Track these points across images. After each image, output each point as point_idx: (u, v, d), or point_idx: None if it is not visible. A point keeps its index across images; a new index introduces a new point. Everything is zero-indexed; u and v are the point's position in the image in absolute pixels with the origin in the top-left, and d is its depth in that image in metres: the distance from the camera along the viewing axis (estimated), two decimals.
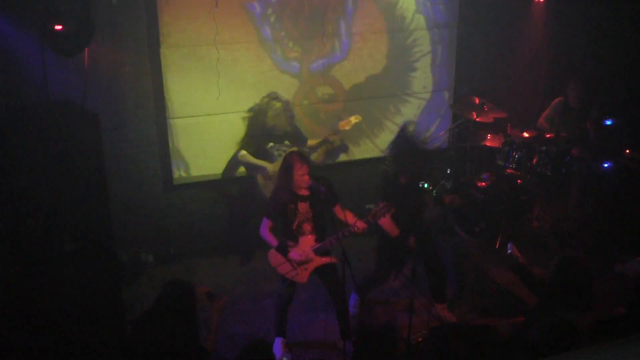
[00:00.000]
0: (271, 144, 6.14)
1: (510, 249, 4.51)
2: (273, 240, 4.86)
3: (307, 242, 4.85)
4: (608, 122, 6.31)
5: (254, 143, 6.26)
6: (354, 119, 6.27)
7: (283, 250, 4.84)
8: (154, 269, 6.28)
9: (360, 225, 4.74)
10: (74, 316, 4.78)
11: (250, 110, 6.46)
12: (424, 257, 5.39)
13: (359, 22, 6.85)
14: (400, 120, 7.28)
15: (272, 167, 6.02)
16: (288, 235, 4.89)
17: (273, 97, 6.26)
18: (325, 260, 4.85)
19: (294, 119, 6.28)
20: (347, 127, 6.25)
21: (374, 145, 7.36)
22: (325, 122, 7.02)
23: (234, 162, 6.47)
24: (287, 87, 6.73)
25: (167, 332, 3.78)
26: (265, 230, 4.89)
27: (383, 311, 5.74)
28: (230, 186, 6.71)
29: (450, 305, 5.68)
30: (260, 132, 6.28)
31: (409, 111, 7.40)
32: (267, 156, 6.12)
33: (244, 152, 6.21)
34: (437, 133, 7.48)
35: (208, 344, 4.12)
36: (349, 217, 4.86)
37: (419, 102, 7.44)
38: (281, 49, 6.62)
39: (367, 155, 7.32)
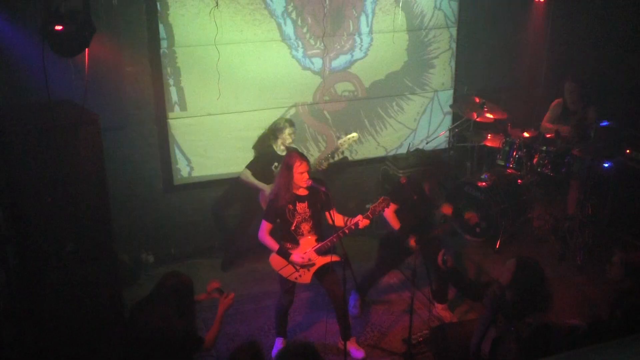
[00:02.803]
0: (275, 164, 6.12)
1: (444, 256, 4.52)
2: (274, 245, 4.83)
3: (308, 243, 4.85)
4: (604, 124, 6.31)
5: (260, 163, 6.21)
6: (353, 137, 6.29)
7: (284, 254, 4.83)
8: (154, 269, 6.28)
9: (362, 222, 4.75)
10: (75, 316, 4.78)
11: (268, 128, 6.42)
12: (426, 257, 5.39)
13: (379, 19, 6.86)
14: (416, 116, 7.39)
15: (269, 189, 6.01)
16: (287, 237, 4.87)
17: (288, 120, 6.27)
18: (327, 259, 4.83)
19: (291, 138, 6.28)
20: (346, 146, 6.29)
21: (394, 139, 7.40)
22: (345, 119, 7.04)
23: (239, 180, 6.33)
24: (308, 84, 6.75)
25: (160, 317, 3.83)
26: (265, 234, 4.85)
27: (383, 311, 5.74)
28: (227, 188, 6.71)
29: (450, 305, 5.68)
30: (265, 152, 6.29)
31: (428, 107, 7.44)
32: (272, 177, 6.05)
33: (247, 171, 6.15)
34: (439, 133, 7.49)
35: (209, 336, 4.16)
36: (339, 222, 4.84)
37: (437, 98, 7.47)
38: (302, 46, 6.63)
39: (383, 153, 7.36)
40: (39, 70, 4.48)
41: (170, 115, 6.32)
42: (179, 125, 6.38)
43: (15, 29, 5.12)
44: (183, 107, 6.34)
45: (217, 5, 6.09)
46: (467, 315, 5.64)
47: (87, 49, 4.74)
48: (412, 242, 5.23)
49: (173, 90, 6.26)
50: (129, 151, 6.18)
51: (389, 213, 5.25)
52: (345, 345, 5.03)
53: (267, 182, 6.07)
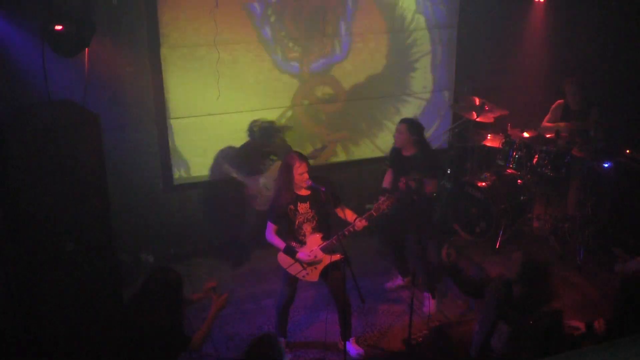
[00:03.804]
0: (259, 159, 6.18)
1: (448, 250, 4.50)
2: (280, 244, 4.86)
3: (314, 242, 4.86)
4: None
5: (243, 158, 6.30)
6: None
7: (291, 252, 4.84)
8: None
9: (362, 223, 4.76)
10: (74, 316, 4.78)
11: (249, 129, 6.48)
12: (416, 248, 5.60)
13: (359, 23, 6.85)
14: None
15: (250, 182, 6.13)
16: (291, 236, 4.90)
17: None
18: (334, 258, 4.85)
19: (279, 134, 6.45)
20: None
21: (374, 146, 7.38)
22: (325, 122, 7.04)
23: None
24: (287, 87, 6.74)
25: (145, 312, 3.83)
26: (271, 234, 4.89)
27: (383, 311, 5.75)
28: (227, 188, 6.70)
29: (448, 305, 5.68)
30: (250, 148, 6.35)
31: (409, 111, 7.39)
32: (255, 171, 6.14)
33: (226, 165, 6.31)
34: (437, 133, 7.47)
35: (197, 336, 4.11)
36: (350, 217, 4.88)
37: (419, 102, 7.44)
38: (281, 49, 6.62)
39: (367, 156, 7.33)
40: (39, 70, 4.48)
41: (170, 115, 6.33)
42: (179, 125, 6.38)
43: (15, 29, 5.12)
44: (183, 107, 6.35)
45: (216, 5, 6.10)
46: (466, 315, 5.64)
47: (87, 49, 4.75)
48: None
49: (173, 90, 6.27)
50: (129, 151, 6.18)
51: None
52: (344, 345, 5.04)
53: (248, 174, 6.15)
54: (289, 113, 6.85)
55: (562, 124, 6.54)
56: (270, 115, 6.66)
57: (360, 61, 6.99)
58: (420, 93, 7.42)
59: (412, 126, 5.60)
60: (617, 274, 5.82)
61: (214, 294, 4.32)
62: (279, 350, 3.76)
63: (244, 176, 6.20)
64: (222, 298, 4.29)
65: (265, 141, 6.34)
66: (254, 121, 6.43)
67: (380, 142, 7.34)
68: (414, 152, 5.60)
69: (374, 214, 4.78)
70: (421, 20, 7.14)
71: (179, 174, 6.54)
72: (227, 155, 6.47)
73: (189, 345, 4.07)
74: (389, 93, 7.28)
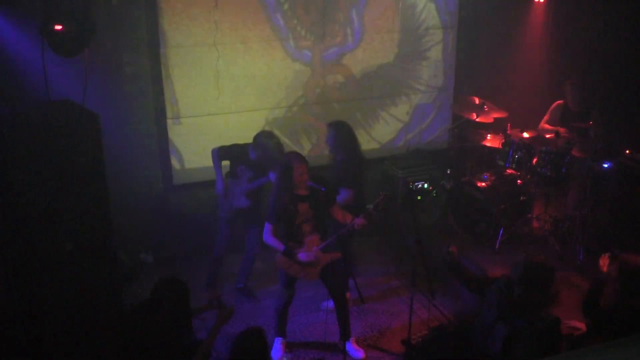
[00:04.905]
0: (243, 167, 5.78)
1: (449, 247, 4.45)
2: (279, 245, 4.85)
3: (313, 242, 4.86)
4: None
5: (233, 156, 5.80)
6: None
7: (290, 254, 4.84)
8: (154, 269, 6.28)
9: (361, 222, 4.76)
10: (74, 316, 4.78)
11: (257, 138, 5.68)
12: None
13: (371, 11, 6.87)
14: (408, 109, 7.38)
15: (220, 183, 5.77)
16: (290, 237, 4.89)
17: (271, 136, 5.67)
18: (333, 256, 4.85)
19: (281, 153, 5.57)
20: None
21: (384, 135, 7.41)
22: (336, 111, 7.03)
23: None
24: (298, 76, 6.76)
25: (151, 322, 3.82)
26: (269, 235, 4.87)
27: (383, 311, 5.75)
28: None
29: (447, 305, 5.68)
30: (245, 155, 5.75)
31: (421, 99, 7.44)
32: (233, 175, 5.81)
33: (219, 150, 5.75)
34: (436, 133, 7.48)
35: (199, 351, 4.06)
36: (347, 217, 4.87)
37: (429, 91, 7.48)
38: (293, 37, 6.62)
39: (368, 156, 7.33)
40: (39, 70, 4.48)
41: (170, 115, 6.33)
42: (179, 125, 6.38)
43: (15, 29, 5.12)
44: (183, 107, 6.35)
45: (216, 5, 6.10)
46: (466, 315, 5.63)
47: (87, 49, 4.75)
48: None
49: (173, 90, 6.27)
50: (129, 151, 6.18)
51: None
52: (344, 345, 5.04)
53: (230, 177, 5.81)
54: (292, 110, 6.86)
55: (562, 130, 6.54)
56: (273, 114, 6.65)
57: (372, 50, 7.00)
58: (431, 82, 7.45)
59: (333, 130, 5.48)
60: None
61: (217, 306, 4.28)
62: (265, 343, 3.76)
63: (222, 176, 5.79)
64: (227, 311, 4.23)
65: (269, 156, 5.54)
66: (271, 135, 5.66)
67: (390, 130, 7.44)
68: (335, 160, 5.54)
69: (373, 212, 4.78)
70: (432, 8, 7.15)
71: (178, 173, 6.53)
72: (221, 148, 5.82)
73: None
74: (400, 82, 7.29)
